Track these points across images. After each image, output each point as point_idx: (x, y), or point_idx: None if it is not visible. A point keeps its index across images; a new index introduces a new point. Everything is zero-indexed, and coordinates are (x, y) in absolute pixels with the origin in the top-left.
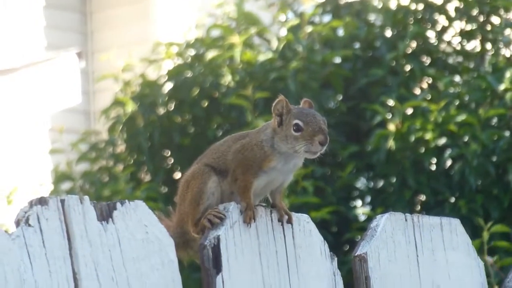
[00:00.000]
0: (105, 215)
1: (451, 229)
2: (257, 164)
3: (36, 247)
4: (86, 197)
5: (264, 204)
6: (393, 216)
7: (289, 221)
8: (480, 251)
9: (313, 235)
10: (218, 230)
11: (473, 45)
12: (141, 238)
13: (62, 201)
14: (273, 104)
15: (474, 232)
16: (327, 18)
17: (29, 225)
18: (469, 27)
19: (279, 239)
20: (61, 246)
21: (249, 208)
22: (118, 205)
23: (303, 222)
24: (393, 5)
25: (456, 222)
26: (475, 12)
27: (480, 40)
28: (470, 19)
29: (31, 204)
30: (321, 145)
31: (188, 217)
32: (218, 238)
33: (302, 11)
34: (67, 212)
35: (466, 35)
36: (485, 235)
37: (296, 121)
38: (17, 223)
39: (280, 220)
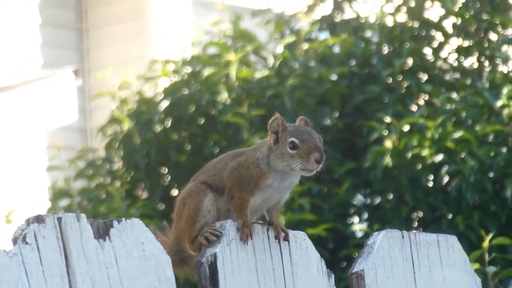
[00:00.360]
0: (102, 233)
1: (448, 246)
2: (253, 182)
3: (34, 264)
4: (83, 215)
5: (260, 222)
6: (390, 233)
7: (286, 238)
8: (479, 263)
9: (310, 252)
10: (215, 248)
11: (470, 61)
12: (138, 255)
13: (59, 219)
14: (269, 122)
15: (471, 248)
16: (323, 35)
17: (26, 243)
18: (466, 44)
19: (276, 256)
20: (58, 263)
21: (245, 226)
22: (115, 223)
23: (300, 239)
24: (389, 22)
25: (453, 239)
26: (472, 28)
27: (477, 57)
28: (467, 36)
29: (28, 222)
30: (317, 163)
31: (184, 234)
32: (215, 256)
33: (298, 28)
34: (64, 230)
35: (463, 52)
36: (485, 246)
37: (292, 139)
38: (14, 241)
39: (277, 237)
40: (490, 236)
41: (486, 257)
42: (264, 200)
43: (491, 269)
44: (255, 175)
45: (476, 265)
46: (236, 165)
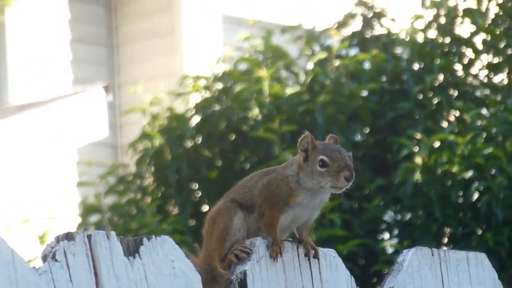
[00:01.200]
0: (131, 250)
1: (477, 264)
2: (283, 200)
3: (63, 282)
4: (113, 233)
5: (290, 239)
6: (419, 250)
7: (316, 255)
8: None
9: (340, 269)
10: (245, 265)
11: (500, 77)
12: (168, 273)
13: (89, 237)
14: (299, 140)
15: (501, 264)
16: (353, 51)
17: (56, 260)
18: (496, 60)
19: (305, 274)
20: (88, 281)
21: (275, 243)
22: (145, 240)
23: (330, 257)
24: (420, 38)
25: (482, 257)
26: (502, 44)
27: (508, 73)
28: (498, 52)
29: (58, 239)
30: (347, 181)
31: (214, 253)
32: (244, 273)
33: (328, 44)
34: (94, 247)
35: (493, 68)
36: None
37: (322, 156)
38: (44, 258)
39: (306, 255)
40: None
41: None
42: (294, 218)
43: None
44: (285, 193)
45: None
46: (266, 183)
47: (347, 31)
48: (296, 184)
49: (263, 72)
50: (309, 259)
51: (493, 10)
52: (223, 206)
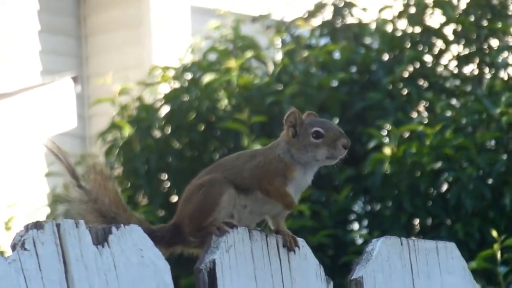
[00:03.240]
0: (100, 239)
1: (447, 253)
2: (281, 175)
3: (32, 271)
4: (82, 221)
5: (258, 228)
6: (388, 240)
7: (296, 244)
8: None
9: (309, 258)
10: (214, 254)
11: (471, 68)
12: (137, 262)
13: (58, 225)
14: (285, 117)
15: (470, 255)
16: (324, 40)
17: (25, 249)
18: (466, 51)
19: (274, 263)
20: (57, 270)
21: (291, 205)
22: (114, 229)
23: (299, 246)
24: (389, 29)
25: (452, 246)
26: (473, 35)
27: (478, 64)
28: (468, 42)
29: (27, 228)
30: (344, 149)
31: (191, 220)
32: (213, 262)
33: (298, 34)
34: (63, 236)
35: (464, 59)
36: (496, 247)
37: (315, 128)
38: (13, 247)
39: (285, 245)
40: (503, 237)
41: (499, 257)
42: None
43: (503, 270)
44: (281, 169)
45: (487, 264)
46: (257, 164)
47: (317, 21)
48: (291, 159)
49: (232, 63)
50: (288, 250)
51: (464, 0)
52: (217, 178)
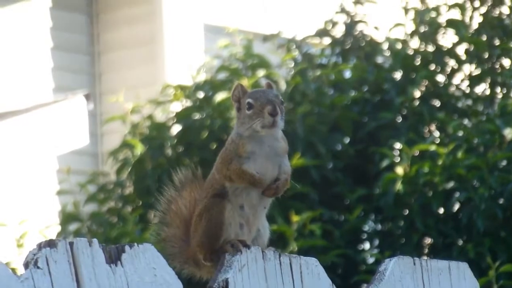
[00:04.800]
0: (113, 258)
1: (459, 273)
2: (235, 155)
3: None
4: (95, 240)
5: (273, 248)
6: (401, 260)
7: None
8: None
9: (322, 278)
10: (227, 273)
11: (483, 88)
12: (150, 281)
13: (71, 244)
14: (231, 92)
15: (481, 275)
16: (335, 59)
17: (38, 267)
18: (478, 70)
19: (287, 282)
20: None
21: (259, 183)
22: (127, 248)
23: (312, 266)
24: (401, 48)
25: (464, 266)
26: (485, 55)
27: (490, 83)
28: (480, 62)
29: (40, 247)
30: (271, 116)
31: (202, 247)
32: (227, 281)
33: (310, 53)
34: (76, 255)
35: (476, 79)
36: (491, 274)
37: (248, 99)
38: (26, 265)
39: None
40: (497, 263)
41: (494, 285)
42: (260, 170)
43: None
44: (233, 149)
45: None
46: (218, 157)
47: (328, 39)
48: (238, 136)
49: (243, 82)
50: (291, 268)
51: (477, 20)
52: (209, 202)
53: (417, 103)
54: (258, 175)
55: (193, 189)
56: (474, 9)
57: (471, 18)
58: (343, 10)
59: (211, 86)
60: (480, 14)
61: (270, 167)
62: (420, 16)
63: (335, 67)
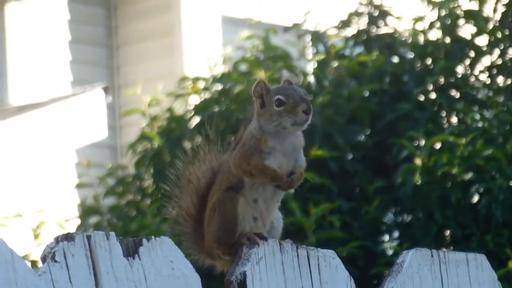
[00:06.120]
0: (131, 251)
1: (477, 265)
2: (256, 150)
3: (63, 283)
4: (112, 233)
5: (290, 241)
6: (419, 252)
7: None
8: (505, 280)
9: (339, 270)
10: (244, 266)
11: (503, 79)
12: (167, 274)
13: (88, 237)
14: (252, 88)
15: (501, 266)
16: (358, 49)
17: (56, 261)
18: (500, 61)
19: (305, 275)
20: (88, 282)
21: (280, 179)
22: (144, 241)
23: (329, 258)
24: (421, 39)
25: (482, 258)
26: (506, 45)
27: (510, 74)
28: (502, 53)
29: (57, 240)
30: (306, 114)
31: (219, 242)
32: (244, 274)
33: (331, 44)
34: (93, 248)
35: (496, 69)
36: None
37: (277, 96)
38: (43, 259)
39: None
40: None
41: None
42: (280, 166)
43: None
44: (254, 144)
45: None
46: (236, 150)
47: (351, 30)
48: (260, 131)
49: (261, 74)
50: (308, 260)
51: (500, 10)
52: (223, 194)
53: (435, 94)
54: (279, 170)
55: (208, 156)
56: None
57: (494, 10)
58: (368, 1)
59: (229, 78)
60: (503, 5)
61: (286, 161)
62: (440, 7)
63: (355, 59)
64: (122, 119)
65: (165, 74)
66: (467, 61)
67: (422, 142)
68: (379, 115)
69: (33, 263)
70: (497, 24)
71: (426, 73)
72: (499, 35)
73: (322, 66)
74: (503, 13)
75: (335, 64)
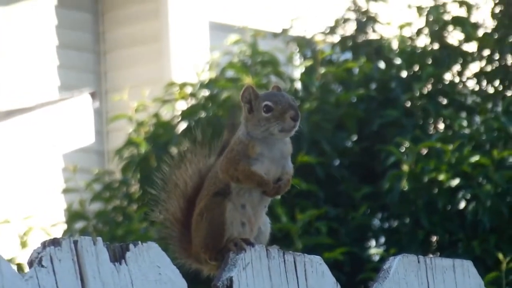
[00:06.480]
0: (118, 256)
1: (464, 271)
2: (243, 155)
3: (49, 287)
4: (99, 238)
5: (277, 246)
6: (405, 258)
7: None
8: (496, 286)
9: (326, 276)
10: (231, 272)
11: (491, 85)
12: (154, 279)
13: (75, 242)
14: (240, 93)
15: (487, 272)
16: (346, 55)
17: (42, 266)
18: (489, 68)
19: (291, 281)
20: (74, 287)
21: (267, 185)
22: (131, 246)
23: (316, 264)
24: (409, 45)
25: (468, 264)
26: (495, 52)
27: (500, 80)
28: (489, 60)
29: (44, 245)
30: (293, 121)
31: (207, 248)
32: (231, 280)
33: (318, 50)
34: (80, 253)
35: (484, 76)
36: (503, 267)
37: (266, 102)
38: (30, 264)
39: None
40: (508, 259)
41: (504, 280)
42: (268, 173)
43: None
44: (242, 150)
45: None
46: (223, 156)
47: (339, 37)
48: (248, 137)
49: (248, 80)
50: (295, 266)
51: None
52: (211, 200)
53: (422, 100)
54: (266, 176)
55: (195, 159)
56: (496, 4)
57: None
58: (356, 8)
59: (216, 84)
60: (493, 13)
61: (274, 168)
62: (428, 14)
63: (342, 65)
64: (109, 125)
65: (153, 80)
66: (455, 68)
67: (409, 148)
68: (366, 122)
69: (19, 266)
70: (489, 31)
71: (414, 79)
72: (488, 40)
73: (309, 72)
74: (498, 19)
75: (322, 70)
